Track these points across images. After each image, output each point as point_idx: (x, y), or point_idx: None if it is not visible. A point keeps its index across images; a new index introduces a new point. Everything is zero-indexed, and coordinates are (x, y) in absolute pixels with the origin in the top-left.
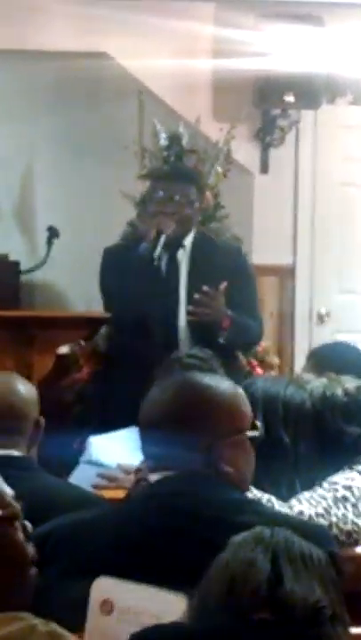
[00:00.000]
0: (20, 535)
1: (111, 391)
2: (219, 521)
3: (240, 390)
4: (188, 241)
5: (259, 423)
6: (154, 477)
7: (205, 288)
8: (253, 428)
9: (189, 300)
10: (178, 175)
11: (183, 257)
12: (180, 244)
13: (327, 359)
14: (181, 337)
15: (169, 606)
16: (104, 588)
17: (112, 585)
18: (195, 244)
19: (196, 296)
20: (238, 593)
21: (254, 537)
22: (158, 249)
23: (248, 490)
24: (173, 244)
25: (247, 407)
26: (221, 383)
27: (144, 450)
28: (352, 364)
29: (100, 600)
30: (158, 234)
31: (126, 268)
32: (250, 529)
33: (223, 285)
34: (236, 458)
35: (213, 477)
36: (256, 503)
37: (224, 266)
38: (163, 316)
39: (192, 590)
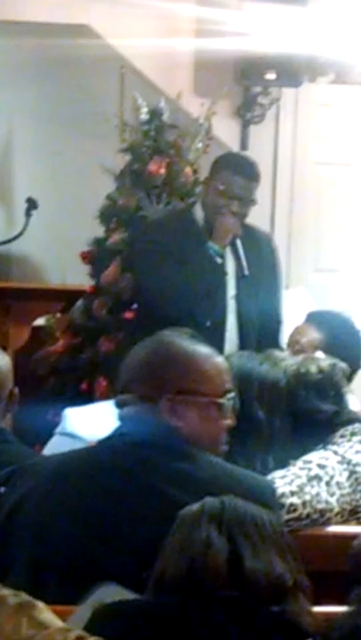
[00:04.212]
0: None
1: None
2: (149, 463)
3: (217, 357)
4: None
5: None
6: None
7: None
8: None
9: (239, 295)
10: (257, 176)
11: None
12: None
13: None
14: (229, 335)
15: None
16: (108, 593)
17: (116, 593)
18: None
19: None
20: (199, 575)
21: (204, 513)
22: (242, 259)
23: (218, 454)
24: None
25: (216, 373)
26: (195, 346)
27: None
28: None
29: (97, 602)
30: (234, 239)
31: (184, 250)
32: (184, 474)
33: None
34: (190, 417)
35: (160, 427)
36: (194, 450)
37: (267, 257)
38: (212, 313)
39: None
